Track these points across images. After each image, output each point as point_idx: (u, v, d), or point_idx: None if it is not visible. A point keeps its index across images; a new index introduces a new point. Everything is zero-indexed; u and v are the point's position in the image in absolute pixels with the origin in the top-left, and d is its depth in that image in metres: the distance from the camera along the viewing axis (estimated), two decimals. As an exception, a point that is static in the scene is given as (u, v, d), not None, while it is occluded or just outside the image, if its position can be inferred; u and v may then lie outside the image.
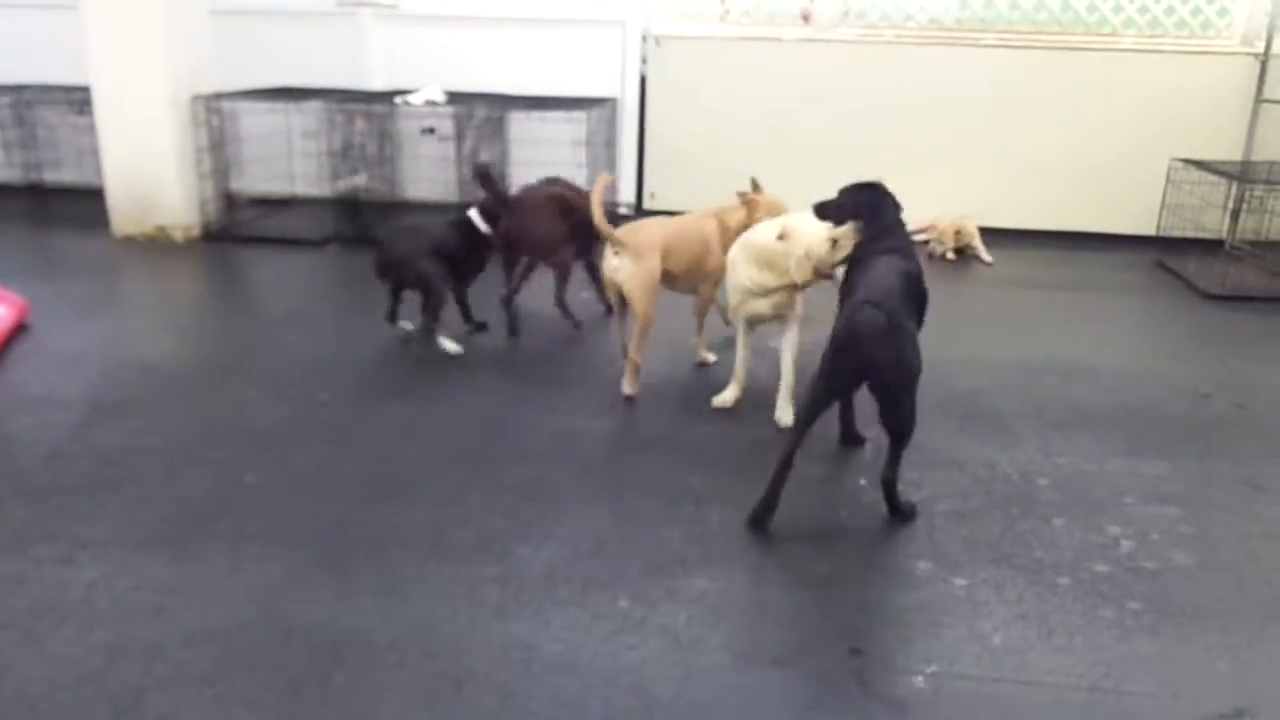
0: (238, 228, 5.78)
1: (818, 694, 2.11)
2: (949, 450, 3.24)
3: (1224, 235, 5.72)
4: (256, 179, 6.09)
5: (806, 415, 2.75)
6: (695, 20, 6.26)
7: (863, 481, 3.02)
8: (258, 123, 5.94)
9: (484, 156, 6.02)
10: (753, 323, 3.47)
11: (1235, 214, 5.67)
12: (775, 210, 3.75)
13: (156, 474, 2.98)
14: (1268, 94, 5.77)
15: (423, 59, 6.23)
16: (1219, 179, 5.46)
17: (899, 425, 2.73)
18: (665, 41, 6.17)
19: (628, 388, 3.55)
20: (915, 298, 2.85)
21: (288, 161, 6.15)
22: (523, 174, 6.09)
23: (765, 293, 3.34)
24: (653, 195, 6.39)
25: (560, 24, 6.26)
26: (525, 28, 6.27)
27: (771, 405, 3.43)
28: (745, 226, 3.65)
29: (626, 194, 6.38)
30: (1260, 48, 5.81)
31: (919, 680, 2.16)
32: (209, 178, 5.65)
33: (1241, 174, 5.46)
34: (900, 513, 2.82)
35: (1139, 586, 2.54)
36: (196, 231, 5.66)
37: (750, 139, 6.15)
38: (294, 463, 3.07)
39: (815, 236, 3.16)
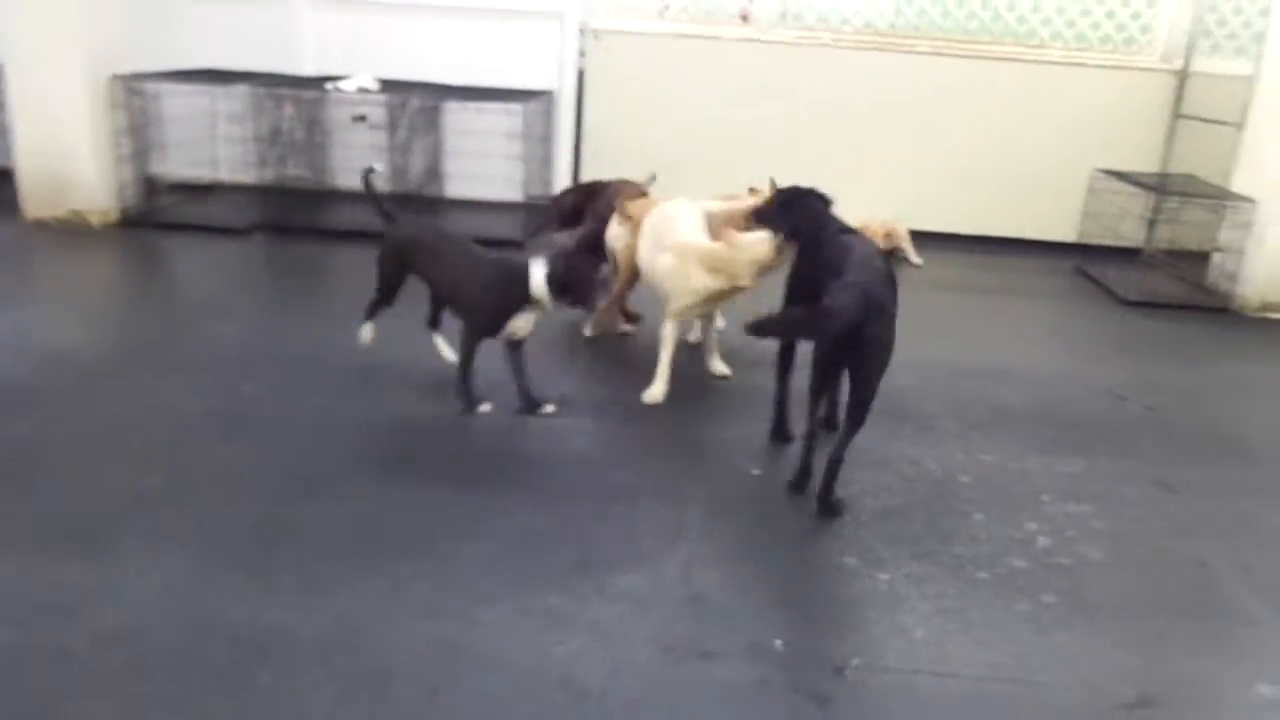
0: (158, 214, 5.60)
1: (745, 686, 2.13)
2: (876, 449, 3.29)
3: (1141, 244, 5.92)
4: (179, 163, 5.90)
5: (814, 391, 2.90)
6: (634, 16, 6.25)
7: (789, 478, 3.05)
8: (181, 105, 5.76)
9: (418, 146, 5.94)
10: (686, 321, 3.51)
11: (1152, 224, 5.87)
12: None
13: (66, 468, 2.88)
14: (1185, 110, 5.98)
15: (356, 45, 6.10)
16: (1137, 190, 5.64)
17: (866, 406, 2.81)
18: (604, 36, 6.15)
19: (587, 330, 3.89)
20: (892, 281, 2.92)
21: (212, 146, 5.98)
22: (458, 165, 6.07)
23: (715, 296, 3.46)
24: (588, 190, 6.36)
25: (499, 14, 6.19)
26: (463, 17, 6.19)
27: (700, 404, 3.45)
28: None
29: (561, 188, 6.34)
30: (1179, 65, 6.02)
31: (841, 673, 2.19)
32: (128, 161, 5.47)
33: (1159, 185, 5.65)
34: (829, 504, 2.87)
35: (1054, 581, 2.61)
36: (114, 217, 5.47)
37: (687, 136, 6.17)
38: (214, 457, 2.98)
39: (762, 243, 3.32)
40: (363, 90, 5.69)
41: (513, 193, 5.75)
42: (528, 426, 3.32)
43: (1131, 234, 5.78)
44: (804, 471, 2.97)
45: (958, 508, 2.97)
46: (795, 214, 3.26)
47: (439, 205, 6.07)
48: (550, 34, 6.15)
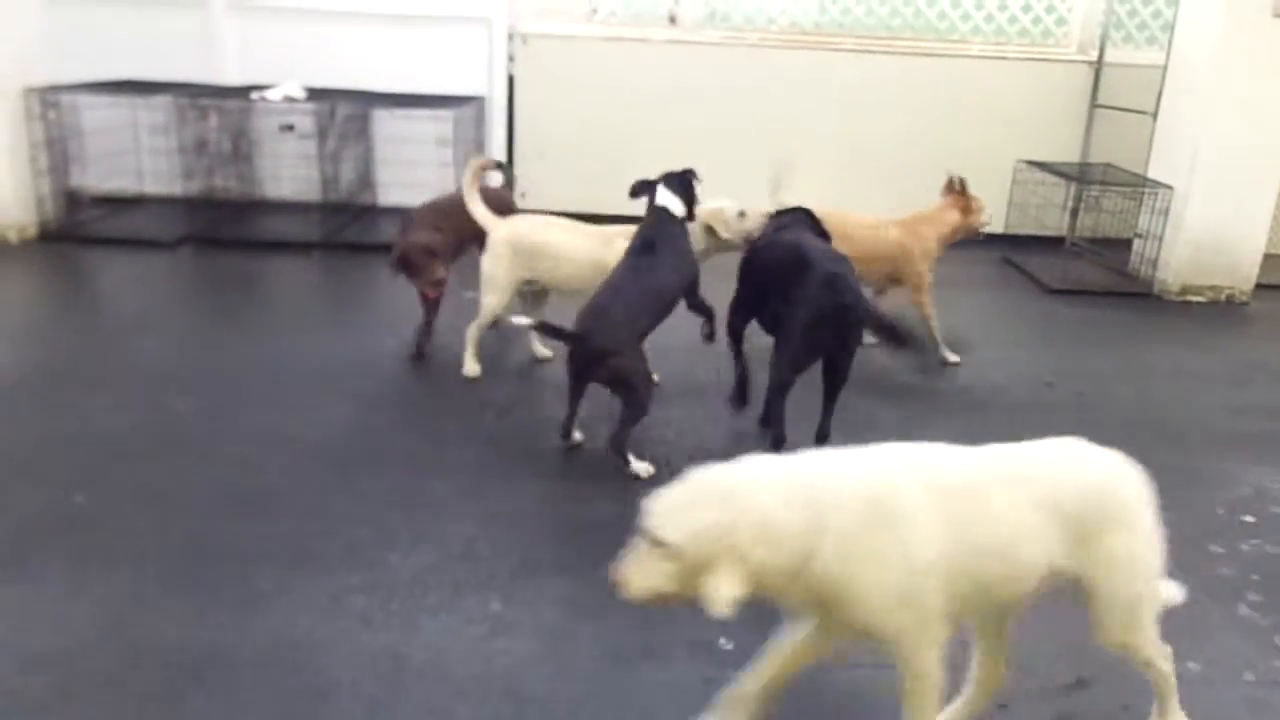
0: (80, 228, 5.45)
1: (691, 685, 2.13)
2: (810, 439, 3.33)
3: (1064, 233, 6.07)
4: (101, 176, 5.75)
5: (790, 374, 3.10)
6: (562, 19, 6.24)
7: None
8: (101, 117, 5.60)
9: (347, 154, 5.86)
10: None
11: (1074, 213, 6.03)
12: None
13: (-11, 491, 2.79)
14: (1101, 99, 6.15)
15: (281, 53, 5.99)
16: (1059, 179, 5.79)
17: (843, 382, 3.13)
18: (532, 40, 6.14)
19: None
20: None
21: (135, 158, 5.83)
22: (389, 173, 6.00)
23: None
24: (523, 195, 6.33)
25: (424, 20, 6.13)
26: (388, 24, 6.13)
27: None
28: (961, 228, 4.11)
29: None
30: (1094, 56, 6.20)
31: (786, 667, 2.20)
32: (45, 175, 5.31)
33: (1079, 175, 5.81)
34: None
35: (990, 566, 2.66)
36: (33, 231, 5.31)
37: (619, 138, 6.18)
38: (143, 475, 2.91)
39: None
40: (289, 99, 5.59)
41: (446, 198, 5.69)
42: (465, 434, 3.29)
43: (1055, 223, 5.93)
44: (777, 439, 3.13)
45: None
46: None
47: (372, 213, 6.00)
48: (478, 39, 6.11)
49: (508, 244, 3.58)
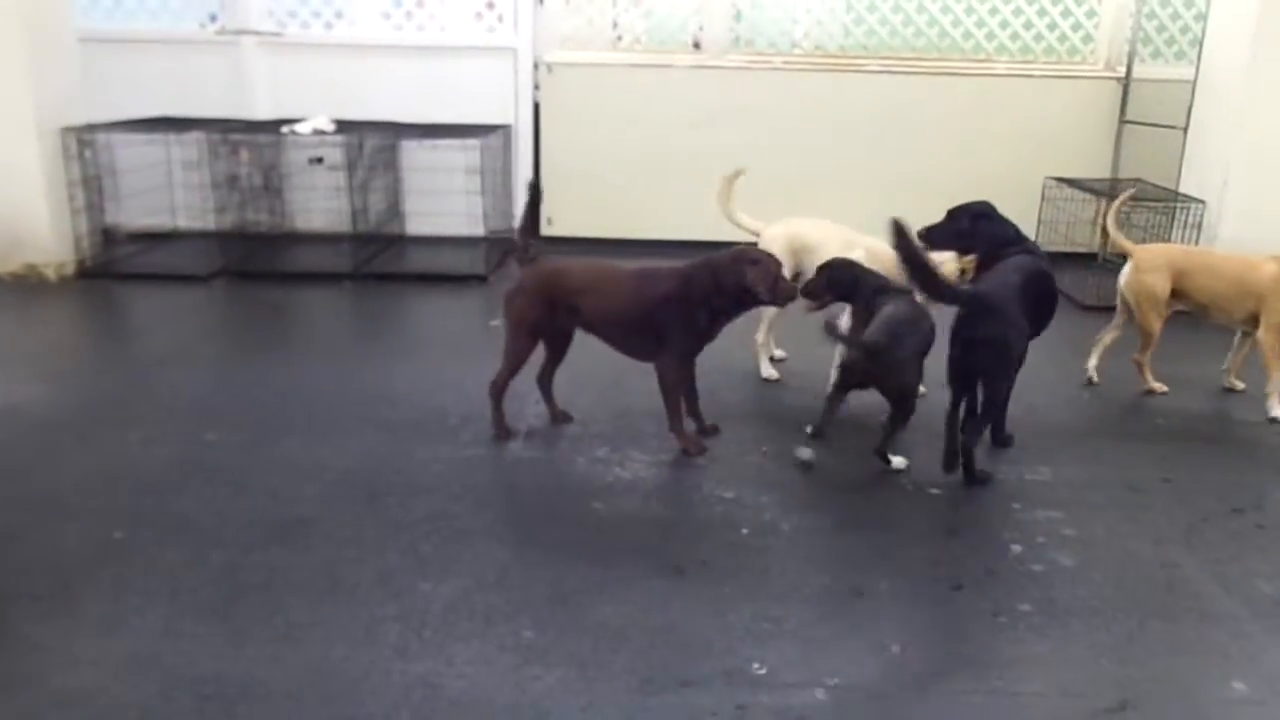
0: (116, 264, 5.54)
1: (725, 712, 2.11)
2: (847, 464, 3.31)
3: (1095, 249, 6.00)
4: (136, 213, 5.85)
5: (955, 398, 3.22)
6: (587, 48, 6.30)
7: (764, 499, 3.05)
8: (135, 154, 5.71)
9: (377, 185, 5.93)
10: None
11: (1104, 229, 5.95)
12: None
13: (26, 526, 2.82)
14: (1130, 115, 6.10)
15: (310, 87, 6.10)
16: (1088, 195, 5.74)
17: (991, 401, 3.22)
18: (557, 69, 6.19)
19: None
20: (1037, 294, 3.31)
21: (169, 194, 5.94)
22: (418, 203, 6.07)
23: None
24: (550, 221, 6.37)
25: (451, 52, 6.22)
26: (415, 56, 6.22)
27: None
28: None
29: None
30: (1122, 72, 6.16)
31: (820, 693, 2.18)
32: (83, 212, 5.41)
33: (1109, 190, 5.75)
34: (977, 478, 3.19)
35: (1029, 589, 2.62)
36: (70, 269, 5.40)
37: (645, 164, 6.21)
38: (179, 508, 2.94)
39: (944, 263, 3.55)
40: (318, 132, 5.68)
41: (474, 228, 5.75)
42: (493, 463, 3.29)
43: (1086, 240, 5.86)
44: (950, 451, 3.17)
45: (931, 521, 2.99)
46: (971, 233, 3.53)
47: (401, 243, 6.06)
48: (504, 69, 6.18)
49: (781, 242, 3.85)
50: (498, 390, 3.40)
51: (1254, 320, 3.91)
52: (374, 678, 2.19)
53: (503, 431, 3.42)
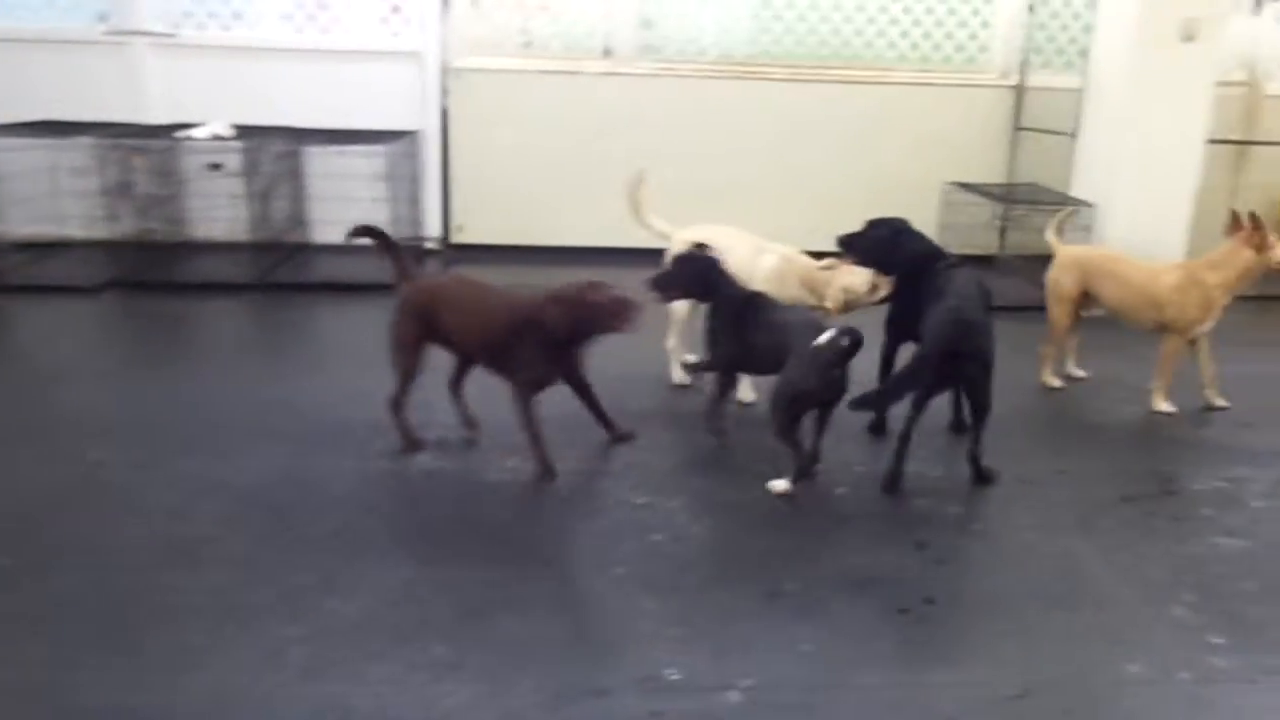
0: (0, 275, 5.28)
1: (637, 718, 2.11)
2: (753, 466, 3.35)
3: (995, 251, 6.21)
4: (20, 221, 5.56)
5: (896, 397, 3.23)
6: (496, 53, 6.25)
7: (676, 504, 3.06)
8: (20, 160, 5.44)
9: (278, 192, 5.78)
10: None
11: (1003, 232, 6.18)
12: None
13: (-98, 554, 2.66)
14: (1023, 122, 6.33)
15: (207, 91, 5.92)
16: (986, 200, 5.93)
17: (986, 406, 3.19)
18: (465, 74, 6.13)
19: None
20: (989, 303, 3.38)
21: (57, 202, 5.68)
22: (323, 210, 5.93)
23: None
24: (460, 228, 6.32)
25: (355, 56, 6.11)
26: (318, 59, 6.08)
27: (579, 440, 3.44)
28: (1255, 267, 3.86)
29: (432, 228, 6.28)
30: (1015, 81, 6.38)
31: (734, 695, 2.20)
32: (-38, 222, 5.15)
33: (1005, 195, 5.96)
34: (986, 477, 3.26)
35: (935, 583, 2.69)
36: (-51, 281, 5.13)
37: (554, 170, 6.20)
38: (68, 531, 2.80)
39: (859, 276, 3.61)
40: (216, 137, 5.51)
41: (381, 235, 5.64)
42: (401, 476, 3.23)
43: (984, 242, 6.06)
44: (895, 473, 3.20)
45: (839, 521, 3.04)
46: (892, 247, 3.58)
47: (305, 252, 5.91)
48: (410, 74, 6.10)
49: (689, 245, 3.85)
50: (395, 405, 3.34)
51: (1163, 328, 4.00)
52: (280, 701, 2.13)
53: (410, 444, 3.36)
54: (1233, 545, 2.95)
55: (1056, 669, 2.36)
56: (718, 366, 3.45)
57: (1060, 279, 4.24)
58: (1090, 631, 2.51)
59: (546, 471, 3.21)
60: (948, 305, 3.15)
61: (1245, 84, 6.44)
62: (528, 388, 3.21)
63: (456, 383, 3.49)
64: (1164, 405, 4.03)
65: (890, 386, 3.32)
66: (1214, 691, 2.28)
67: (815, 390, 3.06)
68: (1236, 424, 3.93)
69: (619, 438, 3.46)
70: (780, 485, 3.14)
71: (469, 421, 3.51)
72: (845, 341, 3.01)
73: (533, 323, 3.10)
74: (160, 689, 2.16)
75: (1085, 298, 4.21)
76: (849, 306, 3.69)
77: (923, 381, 3.18)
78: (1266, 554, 2.91)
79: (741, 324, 3.30)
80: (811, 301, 3.75)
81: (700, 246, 3.52)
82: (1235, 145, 6.26)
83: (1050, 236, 4.41)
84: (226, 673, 2.21)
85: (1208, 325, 3.96)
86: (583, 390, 3.38)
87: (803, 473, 3.15)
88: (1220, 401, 4.08)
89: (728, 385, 3.48)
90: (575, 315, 3.07)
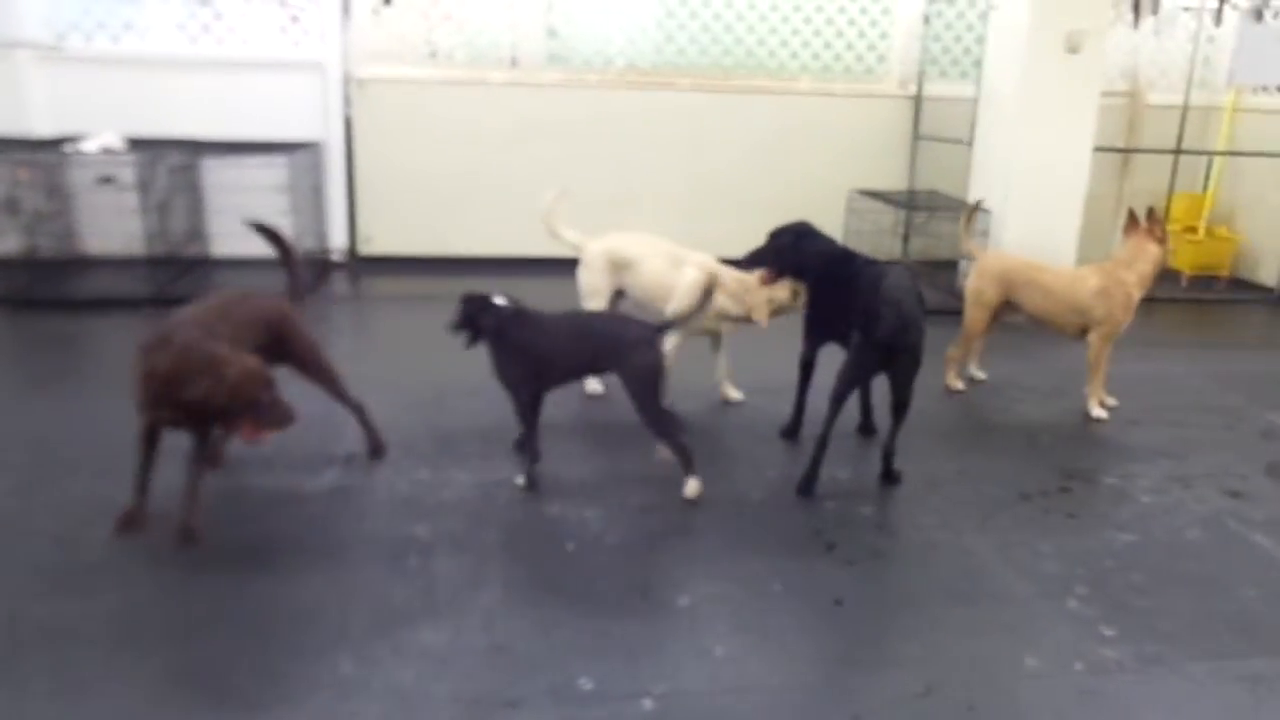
0: (-127, 296, 5.00)
1: (550, 732, 2.10)
2: (666, 477, 3.37)
3: (898, 257, 6.37)
4: (-104, 239, 5.30)
5: (841, 397, 3.23)
6: (400, 63, 6.17)
7: (588, 514, 3.06)
8: (-106, 175, 5.19)
9: (175, 205, 5.60)
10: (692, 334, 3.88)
11: (905, 237, 6.34)
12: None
13: None
14: (922, 131, 6.52)
15: (96, 103, 5.70)
16: (888, 206, 6.09)
17: (907, 402, 3.26)
18: (369, 84, 6.03)
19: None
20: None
21: (-65, 218, 5.41)
22: (223, 223, 5.76)
23: (725, 318, 3.83)
24: (368, 240, 6.21)
25: (253, 67, 5.96)
26: (215, 70, 5.92)
27: (473, 448, 3.41)
28: (1161, 260, 4.07)
29: (338, 239, 6.16)
30: (914, 90, 6.57)
31: (648, 703, 2.20)
32: None
33: (907, 201, 6.12)
34: (894, 476, 3.36)
35: (843, 582, 2.74)
36: None
37: (461, 180, 6.15)
38: (-52, 560, 2.67)
39: (782, 288, 3.72)
40: (107, 150, 5.31)
41: (285, 248, 5.51)
42: (303, 492, 3.15)
43: (888, 248, 6.21)
44: (810, 477, 3.26)
45: (749, 526, 3.07)
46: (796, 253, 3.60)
47: (205, 265, 5.74)
48: (311, 84, 5.98)
49: (601, 258, 3.96)
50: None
51: (1085, 333, 4.12)
52: (176, 729, 2.06)
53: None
54: (1123, 539, 3.08)
55: (959, 665, 2.42)
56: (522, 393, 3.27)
57: (983, 288, 4.30)
58: (990, 626, 2.59)
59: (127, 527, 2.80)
60: (888, 299, 3.15)
61: (1127, 94, 6.75)
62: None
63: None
64: (1099, 411, 4.13)
65: (838, 388, 3.26)
66: (1105, 682, 2.37)
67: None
68: (1127, 422, 4.09)
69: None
70: (693, 488, 3.17)
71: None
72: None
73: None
74: (47, 719, 2.07)
75: (1005, 306, 4.30)
76: (775, 314, 3.76)
77: (868, 370, 3.26)
78: (1154, 547, 3.04)
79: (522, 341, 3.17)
80: (738, 312, 3.79)
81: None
82: (1119, 153, 6.54)
83: (966, 242, 4.51)
84: (119, 700, 2.14)
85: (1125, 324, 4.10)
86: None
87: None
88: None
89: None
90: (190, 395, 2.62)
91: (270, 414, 2.67)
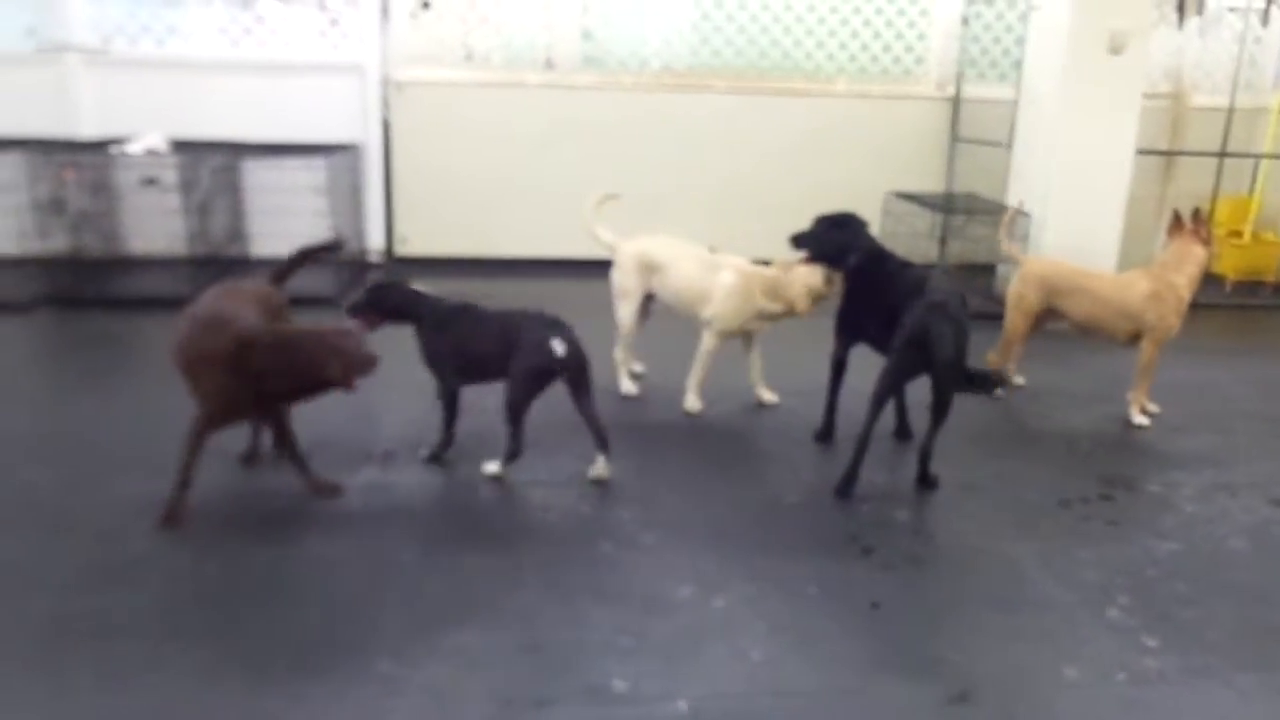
0: (-76, 294, 5.12)
1: (585, 732, 2.10)
2: (702, 475, 3.37)
3: (935, 261, 6.31)
4: (-51, 238, 5.42)
5: (881, 399, 3.21)
6: (437, 65, 6.22)
7: (625, 514, 3.06)
8: (-53, 177, 5.30)
9: (216, 206, 5.68)
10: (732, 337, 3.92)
11: (942, 241, 6.28)
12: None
13: None
14: (960, 133, 6.46)
15: (141, 106, 5.79)
16: (925, 210, 6.03)
17: (948, 406, 3.19)
18: (407, 87, 6.09)
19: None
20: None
21: (-14, 218, 5.52)
22: (262, 224, 5.84)
23: (767, 316, 3.81)
24: (403, 240, 6.27)
25: (294, 69, 6.03)
26: (256, 73, 6.00)
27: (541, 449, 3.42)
28: (1206, 262, 4.03)
29: (375, 241, 6.22)
30: (952, 92, 6.51)
31: (682, 705, 2.20)
32: (-115, 239, 4.98)
33: (944, 205, 6.07)
34: (930, 481, 3.31)
35: (880, 586, 2.72)
36: (-128, 300, 4.96)
37: (497, 182, 6.18)
38: (-4, 553, 2.72)
39: (815, 273, 3.68)
40: (151, 152, 5.40)
41: (323, 249, 5.57)
42: (350, 487, 3.18)
43: (924, 252, 6.15)
44: (849, 478, 3.23)
45: (785, 528, 3.06)
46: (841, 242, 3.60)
47: (245, 266, 5.81)
48: (350, 87, 6.03)
49: (633, 260, 3.97)
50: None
51: (1136, 339, 4.03)
52: (217, 721, 2.09)
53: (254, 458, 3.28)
54: (1166, 548, 3.02)
55: (996, 672, 2.39)
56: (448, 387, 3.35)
57: (1024, 293, 4.22)
58: (1029, 634, 2.56)
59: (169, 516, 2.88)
60: (932, 301, 3.11)
61: (1171, 96, 6.64)
62: (204, 421, 2.89)
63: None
64: (1140, 418, 4.06)
65: (878, 390, 3.24)
66: (1149, 693, 2.33)
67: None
68: (1170, 429, 4.02)
69: (317, 488, 3.12)
70: (492, 468, 3.23)
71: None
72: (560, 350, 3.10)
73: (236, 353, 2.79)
74: (91, 711, 2.11)
75: (1047, 312, 4.23)
76: (815, 303, 3.75)
77: (908, 373, 3.24)
78: (1198, 556, 2.99)
79: (457, 335, 3.25)
80: (776, 308, 3.78)
81: None
82: (1162, 155, 6.44)
83: (1008, 246, 4.47)
84: (162, 692, 2.17)
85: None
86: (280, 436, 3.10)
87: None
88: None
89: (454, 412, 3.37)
90: (289, 359, 2.78)
91: (364, 361, 2.82)
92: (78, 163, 5.49)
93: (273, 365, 2.78)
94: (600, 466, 3.25)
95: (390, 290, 3.34)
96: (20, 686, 2.17)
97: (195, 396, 2.89)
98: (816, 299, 3.74)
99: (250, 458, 3.29)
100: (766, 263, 3.84)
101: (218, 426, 2.92)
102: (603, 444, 3.23)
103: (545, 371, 3.13)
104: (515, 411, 3.16)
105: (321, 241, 3.47)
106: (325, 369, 2.77)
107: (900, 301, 3.23)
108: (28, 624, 2.40)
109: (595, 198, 4.09)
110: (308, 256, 3.43)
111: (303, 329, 2.91)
